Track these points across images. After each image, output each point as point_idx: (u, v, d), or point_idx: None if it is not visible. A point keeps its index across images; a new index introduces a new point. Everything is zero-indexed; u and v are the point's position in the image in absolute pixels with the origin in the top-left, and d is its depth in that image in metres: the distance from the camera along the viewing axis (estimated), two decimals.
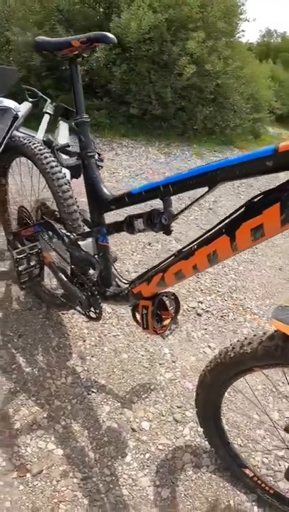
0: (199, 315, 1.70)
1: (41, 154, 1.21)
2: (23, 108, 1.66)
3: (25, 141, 1.28)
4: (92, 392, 1.25)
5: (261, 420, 1.24)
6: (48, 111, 1.89)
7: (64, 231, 1.18)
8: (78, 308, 1.27)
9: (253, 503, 1.02)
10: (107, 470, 1.04)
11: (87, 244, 1.15)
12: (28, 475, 1.00)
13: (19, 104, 1.57)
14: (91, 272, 1.18)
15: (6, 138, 1.37)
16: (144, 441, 1.13)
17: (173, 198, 0.82)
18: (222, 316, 1.73)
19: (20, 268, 1.28)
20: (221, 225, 0.71)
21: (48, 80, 3.90)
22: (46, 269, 1.39)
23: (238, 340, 0.83)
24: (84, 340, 1.44)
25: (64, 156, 1.57)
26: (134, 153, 3.82)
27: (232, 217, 0.69)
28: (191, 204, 0.81)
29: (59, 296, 1.39)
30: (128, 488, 1.01)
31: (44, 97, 1.90)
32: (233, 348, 0.82)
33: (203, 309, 1.74)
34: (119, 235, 1.86)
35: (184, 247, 0.81)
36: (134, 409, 1.22)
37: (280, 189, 0.61)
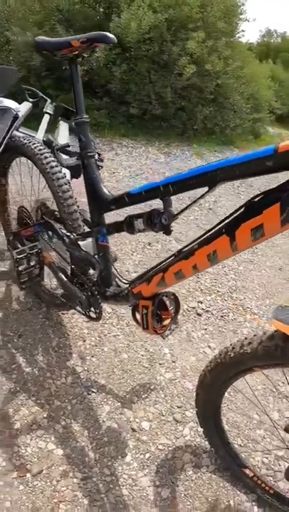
0: (199, 315, 1.70)
1: (41, 154, 1.21)
2: (23, 108, 1.66)
3: (25, 141, 1.28)
4: (92, 392, 1.25)
5: (261, 420, 1.24)
6: (48, 111, 1.89)
7: (64, 231, 1.18)
8: (78, 308, 1.27)
9: (253, 503, 1.02)
10: (107, 470, 1.04)
11: (87, 244, 1.15)
12: (28, 475, 1.00)
13: (19, 104, 1.57)
14: (91, 271, 1.18)
15: (6, 138, 1.37)
16: (144, 441, 1.13)
17: (172, 198, 0.82)
18: (222, 316, 1.73)
19: (20, 268, 1.28)
20: (221, 225, 0.71)
21: (47, 80, 3.90)
22: (46, 269, 1.39)
23: (238, 340, 0.83)
24: (84, 340, 1.44)
25: (64, 156, 1.57)
26: (134, 153, 3.82)
27: (232, 217, 0.69)
28: (191, 204, 0.81)
29: (59, 296, 1.39)
30: (128, 488, 1.01)
31: (44, 97, 1.90)
32: (233, 348, 0.82)
33: (203, 309, 1.74)
34: (118, 235, 1.86)
35: (184, 247, 0.81)
36: (134, 409, 1.22)
37: (280, 189, 0.61)
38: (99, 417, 1.17)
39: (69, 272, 1.25)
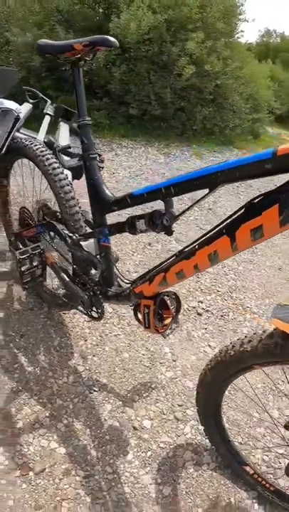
0: (199, 314, 1.71)
1: (43, 156, 1.22)
2: (24, 109, 1.67)
3: (27, 143, 1.29)
4: (94, 391, 1.26)
5: (261, 418, 1.25)
6: (48, 112, 1.89)
7: (66, 232, 1.19)
8: (80, 307, 1.28)
9: (254, 500, 1.03)
10: (109, 468, 1.05)
11: (89, 244, 1.16)
12: (31, 473, 1.00)
13: (20, 105, 1.58)
14: (93, 272, 1.19)
15: (8, 139, 1.38)
16: (145, 440, 1.14)
17: (173, 199, 0.83)
18: (222, 316, 1.74)
19: (23, 268, 1.29)
20: (221, 226, 0.72)
21: (47, 81, 3.91)
22: (48, 269, 1.40)
23: (238, 339, 0.84)
24: (85, 340, 1.45)
25: (65, 158, 1.58)
26: (133, 154, 3.83)
27: (232, 218, 0.70)
28: (192, 205, 0.82)
29: (61, 296, 1.40)
30: (130, 486, 1.02)
31: (44, 98, 1.90)
32: (233, 346, 0.83)
33: (203, 309, 1.75)
34: (119, 235, 1.87)
35: (185, 247, 0.82)
36: (136, 407, 1.23)
37: (279, 190, 0.62)
38: (100, 416, 1.18)
39: (71, 272, 1.26)
